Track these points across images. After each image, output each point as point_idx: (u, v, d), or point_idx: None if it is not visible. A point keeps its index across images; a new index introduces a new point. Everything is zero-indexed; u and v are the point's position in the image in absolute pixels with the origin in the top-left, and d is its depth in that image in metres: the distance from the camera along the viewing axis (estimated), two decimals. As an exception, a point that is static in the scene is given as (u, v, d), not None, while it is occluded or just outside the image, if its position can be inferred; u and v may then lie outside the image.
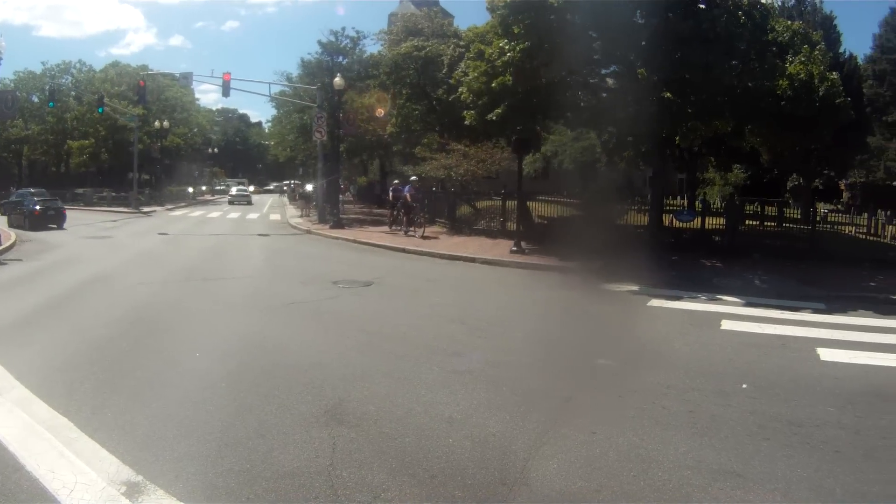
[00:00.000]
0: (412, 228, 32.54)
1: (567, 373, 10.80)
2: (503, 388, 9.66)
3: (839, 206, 58.79)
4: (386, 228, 35.23)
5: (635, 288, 19.75)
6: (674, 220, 30.58)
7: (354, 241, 30.15)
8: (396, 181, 39.39)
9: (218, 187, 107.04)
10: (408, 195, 33.21)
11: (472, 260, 24.29)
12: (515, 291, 18.96)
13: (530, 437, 7.84)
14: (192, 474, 6.55)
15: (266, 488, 6.29)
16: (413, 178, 34.85)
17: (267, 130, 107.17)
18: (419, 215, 32.84)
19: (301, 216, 46.99)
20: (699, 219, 29.96)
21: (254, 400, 8.64)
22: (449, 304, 16.13)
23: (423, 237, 30.60)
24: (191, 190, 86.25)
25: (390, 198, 36.61)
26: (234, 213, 53.49)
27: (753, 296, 19.49)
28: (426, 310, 15.43)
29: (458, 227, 33.41)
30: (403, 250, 26.60)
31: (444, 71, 39.42)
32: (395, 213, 35.37)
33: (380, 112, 39.97)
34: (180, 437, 7.39)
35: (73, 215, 43.21)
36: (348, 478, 6.52)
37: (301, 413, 8.20)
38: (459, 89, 28.00)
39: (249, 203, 73.58)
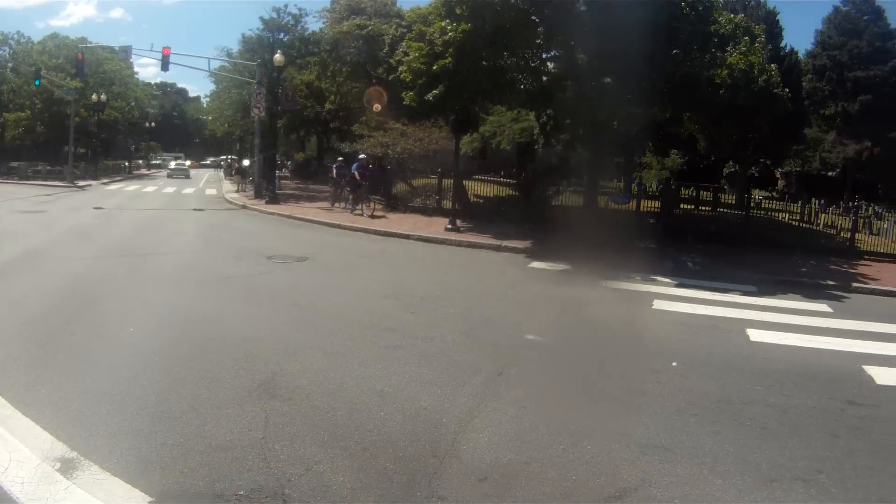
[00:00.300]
0: (359, 207, 31.79)
1: (498, 348, 10.90)
2: (435, 363, 9.77)
3: (774, 194, 60.00)
4: (324, 205, 34.97)
5: (568, 267, 20.08)
6: (609, 202, 30.88)
7: (290, 217, 29.99)
8: (340, 158, 38.77)
9: (154, 161, 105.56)
10: (356, 173, 32.50)
11: (407, 237, 24.36)
12: (449, 268, 19.07)
13: (461, 410, 7.96)
14: (127, 449, 6.51)
15: (199, 462, 6.30)
16: (362, 156, 34.21)
17: (205, 105, 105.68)
18: (367, 194, 32.25)
19: (237, 191, 46.55)
20: (634, 202, 30.32)
21: (187, 374, 8.61)
22: (383, 280, 16.16)
23: (373, 216, 30.10)
24: (127, 164, 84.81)
25: (333, 175, 35.97)
26: (170, 188, 52.77)
27: (686, 277, 19.95)
28: (360, 285, 15.42)
29: (395, 204, 33.40)
30: (339, 226, 26.54)
31: (385, 50, 39.22)
32: (337, 190, 35.02)
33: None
34: (114, 412, 7.34)
35: (6, 189, 42.58)
36: (281, 451, 6.57)
37: (234, 387, 8.20)
38: (399, 69, 27.93)
39: (188, 177, 73.21)
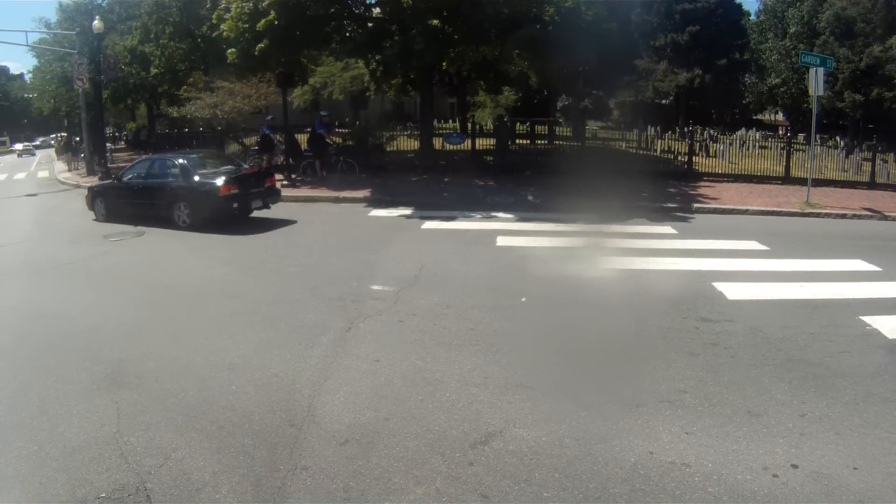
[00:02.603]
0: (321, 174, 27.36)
1: (344, 302, 10.82)
2: (282, 326, 9.62)
3: (610, 124, 61.15)
4: None
5: (409, 212, 20.10)
6: (445, 143, 30.94)
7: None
8: (270, 116, 32.27)
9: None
10: (324, 133, 28.13)
11: (243, 197, 23.72)
12: (286, 225, 18.67)
13: (313, 373, 7.87)
14: (-20, 468, 6.11)
15: (57, 468, 5.97)
16: (323, 113, 30.29)
17: (28, 82, 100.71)
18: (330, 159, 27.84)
19: (69, 171, 44.68)
20: (470, 141, 30.46)
21: (32, 375, 8.12)
22: (219, 246, 15.83)
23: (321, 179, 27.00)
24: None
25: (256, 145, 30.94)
26: (0, 175, 50.34)
27: (527, 211, 20.22)
28: (197, 254, 15.05)
29: None
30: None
31: (207, 7, 38.08)
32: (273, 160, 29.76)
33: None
34: (-40, 431, 6.86)
35: None
36: (137, 442, 6.32)
37: (82, 382, 7.79)
38: (221, 26, 27.14)
39: (33, 155, 71.70)
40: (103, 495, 5.51)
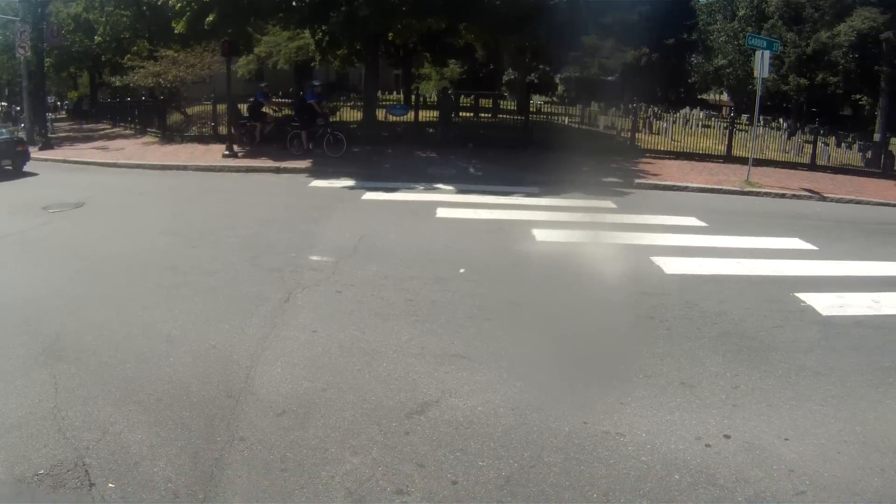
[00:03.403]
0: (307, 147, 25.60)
1: (283, 273, 10.73)
2: (220, 297, 9.49)
3: (554, 99, 61.40)
4: (99, 144, 32.81)
5: (350, 183, 20.01)
6: (388, 115, 30.81)
7: (65, 161, 28.05)
8: (265, 84, 31.13)
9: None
10: (315, 104, 25.97)
11: (185, 168, 23.35)
12: (228, 196, 18.49)
13: (251, 343, 7.78)
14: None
15: (-4, 449, 5.80)
16: (315, 82, 29.05)
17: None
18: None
19: (9, 140, 43.82)
20: (413, 113, 30.37)
21: (-32, 353, 7.87)
22: (162, 217, 15.42)
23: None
24: None
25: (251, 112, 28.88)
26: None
27: (469, 183, 20.24)
28: (139, 225, 14.66)
29: (170, 135, 31.52)
30: (114, 165, 25.23)
31: (153, -26, 37.50)
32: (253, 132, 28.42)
33: None
34: None
35: None
36: (75, 417, 6.16)
37: (20, 356, 7.52)
38: (169, -1, 26.65)
39: None
40: (42, 472, 5.37)
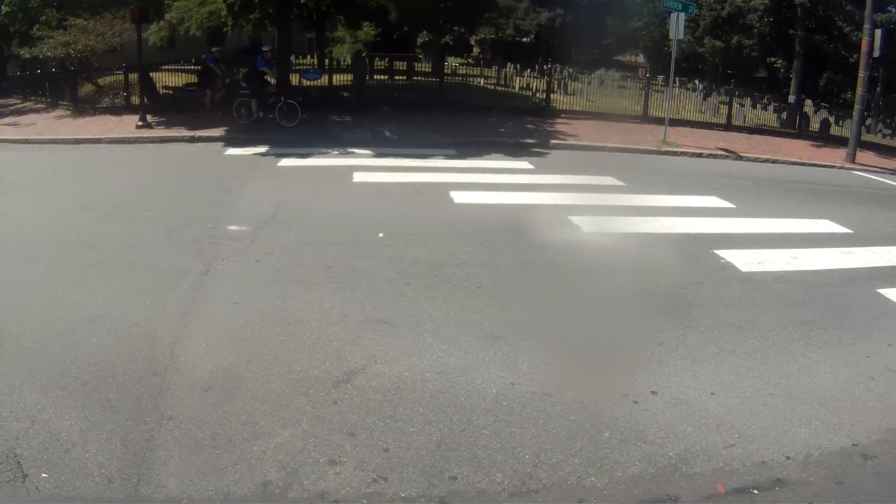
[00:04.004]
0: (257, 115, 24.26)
1: (201, 245, 10.51)
2: (140, 273, 9.22)
3: (470, 61, 61.39)
4: (10, 120, 31.88)
5: (264, 149, 19.68)
6: (302, 79, 30.47)
7: (-28, 139, 27.55)
8: (215, 49, 29.28)
9: None
10: (267, 71, 24.66)
11: (98, 141, 22.54)
12: (144, 168, 17.88)
13: (173, 319, 7.59)
14: None
15: (-81, 443, 5.52)
16: (265, 47, 25.91)
17: None
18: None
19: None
20: (327, 77, 30.09)
21: None
22: (76, 193, 14.86)
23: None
24: None
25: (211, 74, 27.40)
26: None
27: (385, 147, 20.13)
28: (53, 202, 14.05)
29: (83, 108, 30.62)
30: (26, 141, 24.48)
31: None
32: (214, 95, 26.85)
33: None
34: None
35: None
36: (1, 407, 5.86)
37: None
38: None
39: None
40: None
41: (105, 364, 6.59)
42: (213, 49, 28.53)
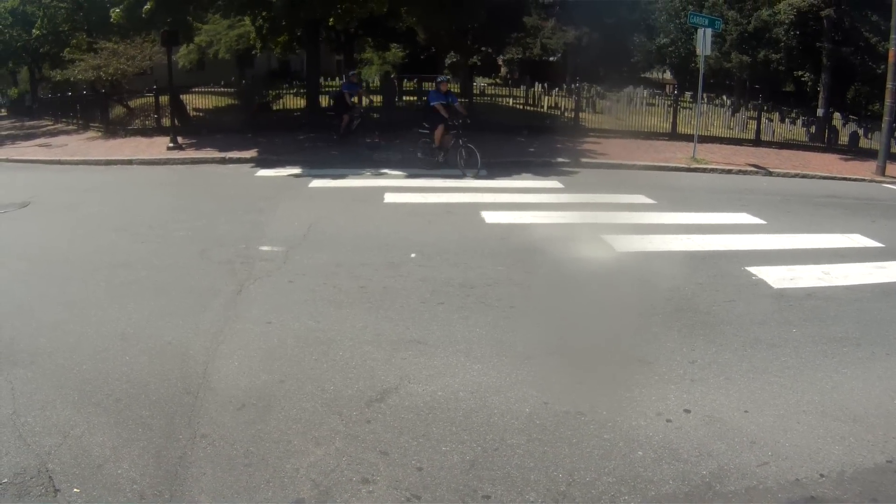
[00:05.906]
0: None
1: (233, 265, 10.59)
2: (172, 292, 9.30)
3: (497, 81, 61.51)
4: (42, 141, 32.31)
5: (297, 171, 19.84)
6: (331, 101, 30.63)
7: (7, 161, 27.49)
8: (353, 73, 29.31)
9: None
10: (439, 106, 20.30)
11: (130, 162, 22.92)
12: (175, 189, 18.19)
13: (206, 338, 7.65)
14: None
15: (-46, 457, 5.60)
16: (441, 78, 22.14)
17: None
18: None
19: (-53, 140, 42.90)
20: (356, 98, 30.29)
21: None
22: (109, 214, 15.06)
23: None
24: None
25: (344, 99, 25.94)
26: None
27: (416, 168, 20.24)
28: (87, 223, 14.28)
29: (114, 129, 30.99)
30: (58, 162, 24.78)
31: (89, -36, 36.91)
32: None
33: None
34: None
35: None
36: (34, 422, 5.95)
37: None
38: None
39: None
40: (5, 480, 5.18)
41: (138, 382, 6.64)
42: (351, 73, 28.64)
